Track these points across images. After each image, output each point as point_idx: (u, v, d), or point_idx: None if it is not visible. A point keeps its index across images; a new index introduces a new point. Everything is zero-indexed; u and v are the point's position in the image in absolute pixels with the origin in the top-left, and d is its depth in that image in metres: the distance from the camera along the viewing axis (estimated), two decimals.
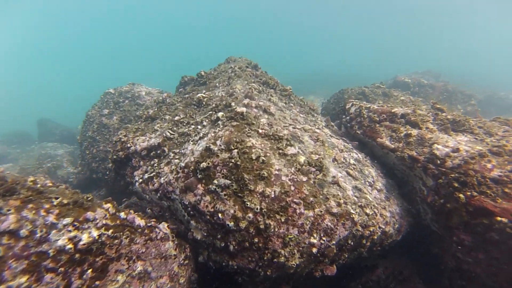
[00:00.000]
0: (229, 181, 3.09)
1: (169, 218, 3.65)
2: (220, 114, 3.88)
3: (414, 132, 4.08)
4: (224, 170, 3.18)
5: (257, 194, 3.04)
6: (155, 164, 3.90)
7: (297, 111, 5.09)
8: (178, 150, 3.82)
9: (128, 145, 4.19)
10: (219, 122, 3.78)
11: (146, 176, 3.81)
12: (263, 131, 3.70)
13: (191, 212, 3.25)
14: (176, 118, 4.53)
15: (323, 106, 8.85)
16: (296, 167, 3.37)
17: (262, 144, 3.47)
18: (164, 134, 4.05)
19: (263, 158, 3.24)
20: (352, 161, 4.16)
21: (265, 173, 3.13)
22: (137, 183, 3.86)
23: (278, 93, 5.37)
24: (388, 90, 8.25)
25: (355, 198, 3.43)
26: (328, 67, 34.03)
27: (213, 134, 3.57)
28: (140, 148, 4.08)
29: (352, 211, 3.22)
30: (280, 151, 3.49)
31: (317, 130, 4.49)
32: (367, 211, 3.40)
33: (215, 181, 3.15)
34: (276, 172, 3.20)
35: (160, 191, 3.55)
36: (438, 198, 3.48)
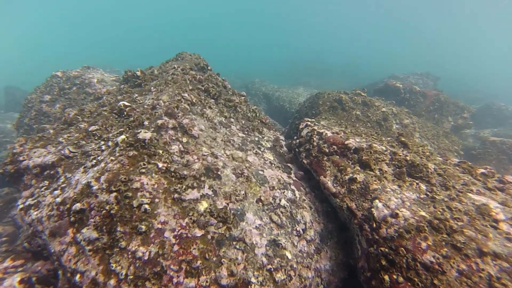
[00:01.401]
0: (95, 235, 2.47)
1: (48, 258, 3.08)
2: (120, 138, 3.18)
3: (360, 177, 3.38)
4: (97, 218, 2.55)
5: (129, 253, 2.42)
6: (43, 188, 3.27)
7: (237, 128, 4.37)
8: (70, 175, 3.16)
9: (21, 158, 3.53)
10: (117, 149, 3.09)
11: (27, 202, 3.19)
12: (165, 165, 3.02)
13: (56, 263, 2.66)
14: (91, 128, 3.84)
15: (298, 108, 8.07)
16: (191, 218, 2.72)
17: (156, 185, 2.81)
18: (63, 151, 3.38)
19: (147, 206, 2.59)
20: (283, 202, 3.51)
21: (143, 226, 2.50)
22: (18, 208, 3.25)
23: (221, 104, 4.62)
24: (369, 99, 7.43)
25: (264, 260, 2.81)
26: (328, 57, 32.52)
27: (103, 165, 2.90)
28: (33, 165, 3.43)
29: (252, 279, 2.61)
30: (176, 195, 2.83)
31: (250, 158, 3.81)
32: (278, 275, 2.80)
33: (84, 230, 2.53)
34: (159, 226, 2.56)
35: (32, 228, 2.95)
36: (367, 269, 2.86)
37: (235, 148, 3.92)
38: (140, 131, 3.18)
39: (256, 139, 4.41)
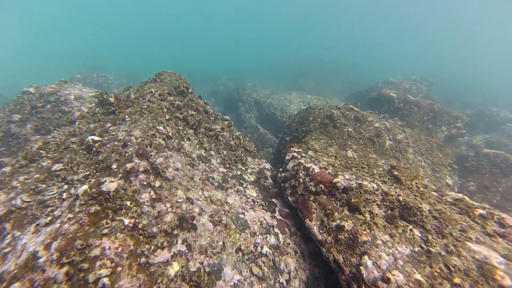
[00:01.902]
0: None
1: None
2: (82, 189, 2.83)
3: (348, 225, 3.10)
4: None
5: None
6: None
7: (218, 162, 4.05)
8: (19, 234, 2.81)
9: None
10: (77, 202, 2.75)
11: None
12: (132, 221, 2.69)
13: None
14: (55, 167, 3.48)
15: (288, 123, 7.77)
16: (159, 286, 2.41)
17: (120, 248, 2.49)
18: (15, 202, 3.03)
19: (106, 280, 2.27)
20: (265, 250, 3.22)
21: None
22: None
23: (201, 134, 4.29)
24: (362, 114, 7.16)
25: None
26: (324, 58, 32.05)
27: (57, 225, 2.57)
28: None
29: None
30: (143, 259, 2.51)
31: (230, 199, 3.50)
32: None
33: None
34: None
35: None
36: None
37: (215, 187, 3.60)
38: (105, 181, 2.84)
39: (239, 173, 4.10)
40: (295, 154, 4.11)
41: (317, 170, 3.74)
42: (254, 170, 4.31)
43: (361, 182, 3.53)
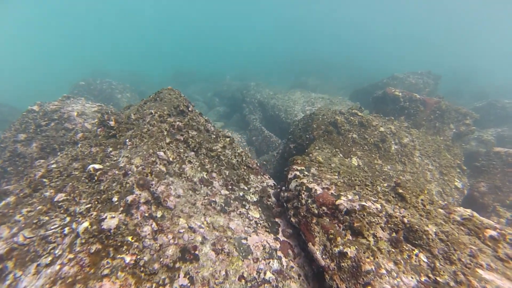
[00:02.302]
0: None
1: None
2: (82, 227, 2.85)
3: (351, 252, 3.05)
4: None
5: None
6: None
7: (220, 184, 4.02)
8: (20, 274, 2.85)
9: None
10: (77, 241, 2.77)
11: None
12: (133, 257, 2.70)
13: None
14: (58, 197, 3.51)
15: (292, 129, 7.69)
16: None
17: None
18: (17, 238, 3.07)
19: None
20: (268, 275, 3.20)
21: None
22: None
23: (203, 155, 4.26)
24: (366, 119, 7.03)
25: None
26: (328, 55, 31.49)
27: (57, 268, 2.58)
28: None
29: None
30: None
31: (232, 224, 3.48)
32: None
33: None
34: None
35: None
36: None
37: (217, 212, 3.59)
38: (106, 218, 2.85)
39: (241, 194, 4.07)
40: (298, 173, 4.05)
41: (319, 191, 3.68)
42: (257, 189, 4.28)
43: (364, 203, 3.46)
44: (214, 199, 3.74)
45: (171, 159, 3.80)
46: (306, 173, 4.08)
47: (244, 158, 4.64)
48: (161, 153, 3.74)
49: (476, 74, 24.50)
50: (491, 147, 10.35)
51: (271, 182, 4.60)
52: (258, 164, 4.84)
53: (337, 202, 3.50)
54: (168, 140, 4.05)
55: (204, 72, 28.32)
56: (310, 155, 5.42)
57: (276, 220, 3.96)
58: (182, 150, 4.08)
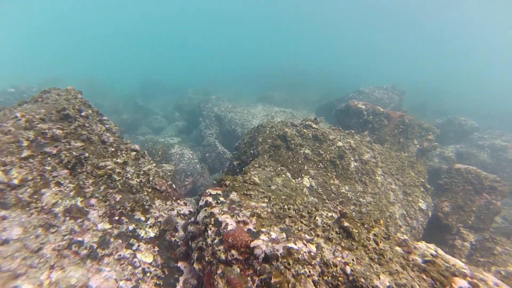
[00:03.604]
0: None
1: None
2: None
3: None
4: None
5: None
6: None
7: (100, 215, 2.85)
8: None
9: None
10: None
11: None
12: None
13: None
14: None
15: (237, 144, 6.67)
16: None
17: None
18: None
19: None
20: None
21: None
22: None
23: (84, 174, 3.08)
24: (321, 132, 6.16)
25: None
26: (298, 67, 31.44)
27: None
28: None
29: None
30: None
31: (96, 280, 2.30)
32: None
33: None
34: None
35: None
36: None
37: (79, 259, 2.39)
38: None
39: (132, 227, 2.91)
40: (210, 200, 2.97)
41: (231, 226, 2.61)
42: (158, 219, 3.13)
43: (292, 245, 2.42)
44: (80, 238, 2.55)
45: (16, 181, 2.59)
46: (221, 199, 3.00)
47: (151, 177, 3.50)
48: None
49: (441, 91, 25.18)
50: (452, 164, 9.94)
51: (185, 209, 3.47)
52: (174, 186, 3.71)
53: (252, 244, 2.43)
54: (26, 153, 2.84)
55: (170, 85, 27.09)
56: (246, 174, 4.40)
57: (179, 265, 2.82)
58: (49, 168, 2.88)
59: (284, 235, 2.58)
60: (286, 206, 3.12)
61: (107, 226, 2.79)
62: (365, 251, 2.52)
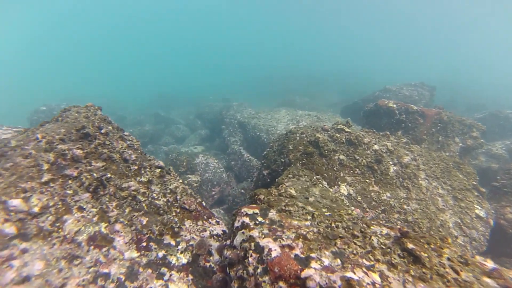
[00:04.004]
0: None
1: None
2: None
3: None
4: None
5: None
6: None
7: (126, 241, 2.57)
8: None
9: None
10: None
11: None
12: None
13: None
14: None
15: (266, 153, 6.31)
16: None
17: None
18: None
19: None
20: None
21: None
22: None
23: (107, 196, 2.84)
24: (355, 135, 5.68)
25: None
26: (316, 70, 30.75)
27: None
28: None
29: None
30: None
31: None
32: None
33: None
34: None
35: None
36: None
37: None
38: None
39: (162, 254, 2.60)
40: (247, 221, 2.61)
41: (275, 252, 2.23)
42: (190, 243, 2.80)
43: (351, 274, 2.00)
44: (107, 270, 2.27)
45: (36, 209, 2.36)
46: (259, 219, 2.64)
47: (179, 196, 3.20)
48: (16, 202, 2.31)
49: (467, 85, 23.65)
50: (504, 163, 9.01)
51: (218, 229, 3.14)
52: (203, 204, 3.39)
53: (303, 274, 2.04)
54: (46, 178, 2.62)
55: (189, 94, 27.34)
56: (281, 186, 4.02)
57: None
58: (70, 192, 2.64)
59: (338, 261, 2.16)
60: (333, 224, 2.70)
61: (135, 254, 2.50)
62: (443, 282, 2.05)
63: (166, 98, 25.50)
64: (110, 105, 23.10)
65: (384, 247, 2.35)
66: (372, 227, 2.71)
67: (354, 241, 2.43)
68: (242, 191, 8.37)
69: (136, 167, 3.28)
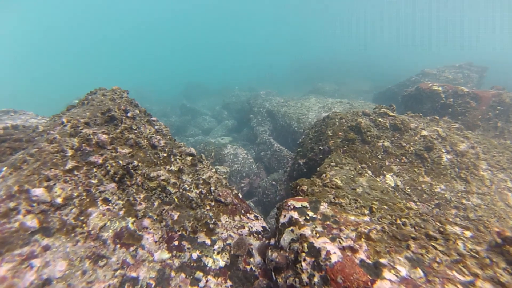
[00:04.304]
0: None
1: None
2: None
3: None
4: None
5: None
6: None
7: (156, 239, 2.25)
8: None
9: None
10: None
11: None
12: None
13: None
14: None
15: (301, 140, 5.84)
16: None
17: None
18: None
19: None
20: None
21: None
22: None
23: (134, 187, 2.54)
24: (401, 120, 5.06)
25: None
26: (344, 56, 29.22)
27: None
28: None
29: None
30: None
31: None
32: None
33: None
34: None
35: None
36: None
37: None
38: None
39: (196, 255, 2.26)
40: (295, 216, 2.20)
41: (336, 256, 1.80)
42: (227, 242, 2.45)
43: None
44: (134, 275, 1.96)
45: (60, 200, 2.09)
46: (310, 214, 2.21)
47: (214, 187, 2.86)
48: (38, 191, 2.05)
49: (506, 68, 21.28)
50: None
51: (257, 225, 2.76)
52: (240, 196, 3.03)
53: (375, 285, 1.60)
54: (70, 165, 2.36)
55: (215, 85, 27.16)
56: (324, 176, 3.57)
57: None
58: (95, 182, 2.37)
59: (419, 272, 1.69)
60: (399, 221, 2.22)
61: (166, 255, 2.18)
62: None
63: (193, 89, 25.48)
64: (136, 96, 23.39)
65: (477, 255, 1.84)
66: (448, 226, 2.20)
67: (433, 244, 1.94)
68: (273, 182, 7.98)
69: (165, 154, 2.96)
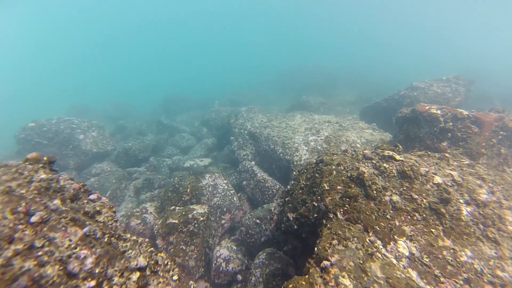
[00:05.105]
0: None
1: None
2: None
3: None
4: None
5: None
6: None
7: None
8: None
9: None
10: None
11: None
12: None
13: None
14: None
15: (289, 188, 4.88)
16: None
17: None
18: None
19: None
20: None
21: None
22: None
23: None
24: (409, 165, 4.20)
25: None
26: (329, 67, 28.62)
27: None
28: None
29: None
30: None
31: None
32: None
33: None
34: None
35: None
36: None
37: None
38: None
39: None
40: None
41: None
42: None
43: None
44: None
45: None
46: None
47: None
48: None
49: (495, 71, 21.41)
50: None
51: None
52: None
53: None
54: None
55: (195, 95, 25.96)
56: (324, 263, 2.61)
57: None
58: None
59: None
60: None
61: None
62: None
63: (172, 101, 24.16)
64: (112, 111, 21.93)
65: None
66: None
67: None
68: (257, 221, 6.98)
69: (93, 283, 1.89)
